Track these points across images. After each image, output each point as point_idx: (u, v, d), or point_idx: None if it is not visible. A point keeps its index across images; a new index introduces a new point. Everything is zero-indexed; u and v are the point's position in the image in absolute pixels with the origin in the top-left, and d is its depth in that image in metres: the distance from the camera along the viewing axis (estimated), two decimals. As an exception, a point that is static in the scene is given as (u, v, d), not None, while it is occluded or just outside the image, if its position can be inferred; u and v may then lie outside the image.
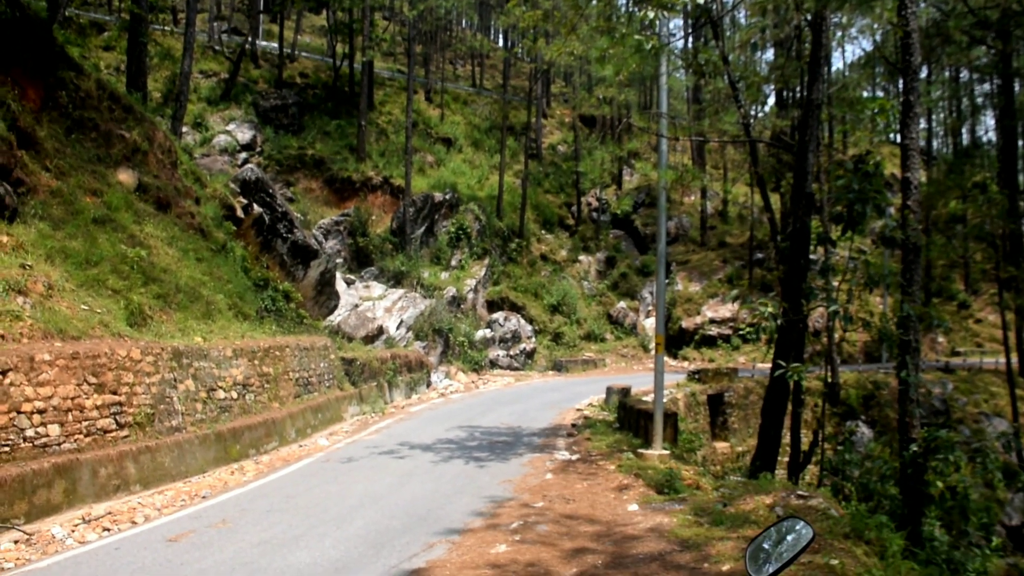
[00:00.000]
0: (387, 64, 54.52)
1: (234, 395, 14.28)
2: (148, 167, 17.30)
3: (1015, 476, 24.67)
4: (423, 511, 10.48)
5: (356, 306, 30.09)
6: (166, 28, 41.28)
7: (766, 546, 3.01)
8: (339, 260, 33.53)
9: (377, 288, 32.62)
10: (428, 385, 27.59)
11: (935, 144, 62.22)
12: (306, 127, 41.64)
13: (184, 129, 30.48)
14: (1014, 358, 31.55)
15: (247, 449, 14.05)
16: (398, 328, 30.07)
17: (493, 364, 34.13)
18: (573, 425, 19.20)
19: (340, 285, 28.97)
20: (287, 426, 15.93)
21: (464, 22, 72.80)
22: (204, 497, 11.29)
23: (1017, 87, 41.44)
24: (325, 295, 25.22)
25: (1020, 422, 28.64)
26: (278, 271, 22.14)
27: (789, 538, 2.96)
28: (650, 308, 41.36)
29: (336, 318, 28.00)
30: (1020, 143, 52.71)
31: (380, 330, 29.30)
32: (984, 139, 58.28)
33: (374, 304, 30.66)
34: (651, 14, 14.43)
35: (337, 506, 10.70)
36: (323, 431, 17.72)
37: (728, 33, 45.44)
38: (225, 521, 9.87)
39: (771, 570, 2.80)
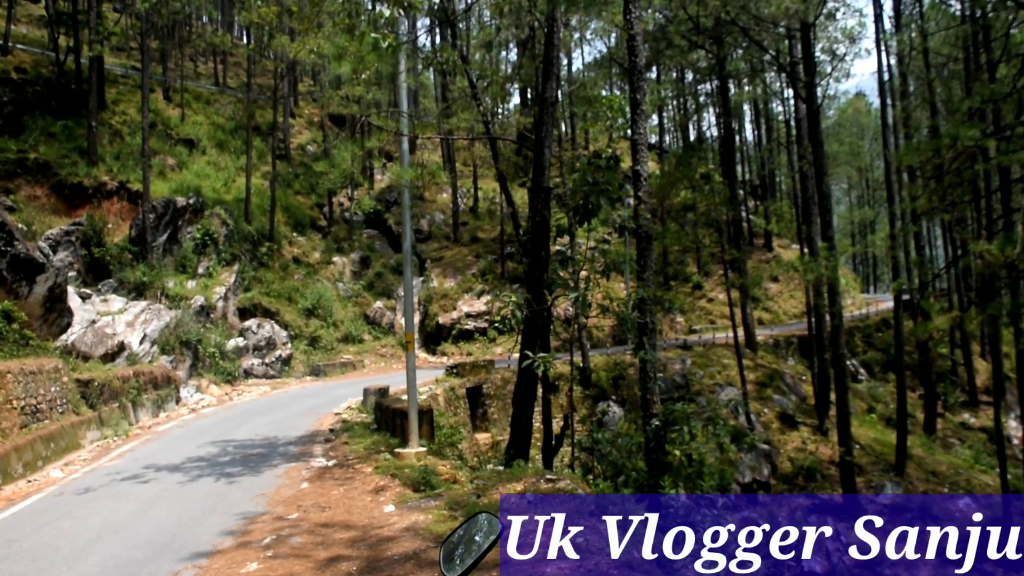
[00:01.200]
0: (120, 60, 50.81)
1: (-56, 432, 12.85)
2: None
3: (743, 438, 27.40)
4: (168, 537, 10.00)
5: (93, 322, 27.88)
6: None
7: (458, 544, 3.09)
8: (72, 273, 30.85)
9: (117, 301, 30.39)
10: (178, 401, 26.16)
11: (667, 139, 67.04)
12: (27, 128, 37.85)
13: None
14: (741, 332, 34.85)
15: (-37, 491, 12.69)
16: (142, 343, 28.24)
17: (248, 374, 32.94)
18: (331, 430, 19.01)
19: (74, 300, 26.68)
20: (12, 461, 14.53)
21: (205, 17, 69.35)
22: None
23: (732, 88, 45.66)
24: (56, 312, 23.13)
25: (747, 388, 31.80)
26: (-4, 289, 20.08)
27: (479, 535, 3.08)
28: (408, 306, 41.56)
29: (70, 337, 25.80)
30: (736, 138, 58.34)
31: (121, 346, 27.37)
32: (708, 134, 63.82)
33: (114, 319, 28.56)
34: (387, 12, 14.56)
35: (70, 544, 9.93)
36: (57, 462, 16.35)
37: (475, 32, 46.62)
38: (-75, 585, 8.86)
39: (463, 568, 2.92)
